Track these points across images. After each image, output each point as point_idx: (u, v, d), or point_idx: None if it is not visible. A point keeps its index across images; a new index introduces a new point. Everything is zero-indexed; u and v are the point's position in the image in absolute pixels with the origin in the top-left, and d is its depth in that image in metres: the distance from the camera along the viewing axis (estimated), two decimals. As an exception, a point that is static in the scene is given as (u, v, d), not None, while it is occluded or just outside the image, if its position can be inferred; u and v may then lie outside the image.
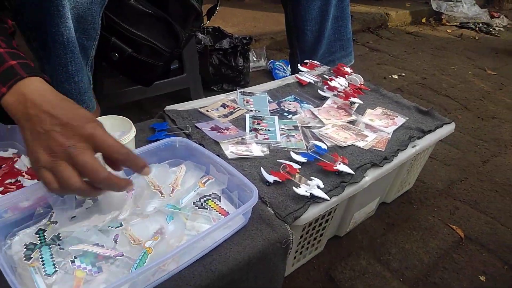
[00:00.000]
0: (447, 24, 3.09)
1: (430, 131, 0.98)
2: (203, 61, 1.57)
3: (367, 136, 0.95)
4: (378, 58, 2.26)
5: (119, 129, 0.78)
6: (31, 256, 0.53)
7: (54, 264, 0.52)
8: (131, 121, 0.78)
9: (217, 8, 1.19)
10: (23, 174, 0.70)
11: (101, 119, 0.79)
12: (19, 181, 0.68)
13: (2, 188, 0.66)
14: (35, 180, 0.68)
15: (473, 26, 3.01)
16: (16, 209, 0.60)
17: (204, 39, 1.66)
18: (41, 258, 0.52)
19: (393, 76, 2.01)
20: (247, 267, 0.59)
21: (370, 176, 0.81)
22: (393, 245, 0.96)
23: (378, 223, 1.02)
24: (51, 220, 0.59)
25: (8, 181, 0.68)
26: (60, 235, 0.56)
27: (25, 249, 0.53)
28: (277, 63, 1.84)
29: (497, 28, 3.02)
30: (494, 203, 1.15)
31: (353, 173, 0.79)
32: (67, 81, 0.81)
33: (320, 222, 0.80)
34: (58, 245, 0.54)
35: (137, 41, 0.98)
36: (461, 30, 2.96)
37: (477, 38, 2.83)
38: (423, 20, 3.12)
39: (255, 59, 1.92)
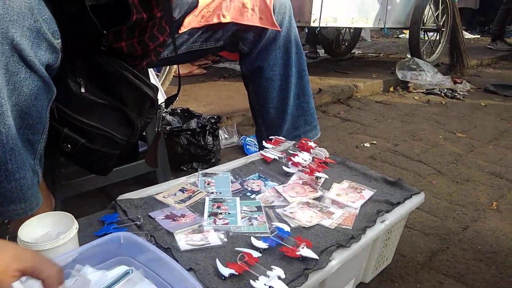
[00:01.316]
0: (414, 91, 3.23)
1: (399, 203, 0.94)
2: (170, 142, 1.56)
3: (333, 213, 0.90)
4: (349, 127, 2.30)
5: (60, 227, 0.71)
6: None
7: None
8: (73, 217, 0.72)
9: (177, 98, 1.20)
10: None
11: (41, 216, 0.73)
12: None
13: None
14: None
15: (439, 92, 3.14)
16: None
17: (172, 120, 1.66)
18: None
19: (365, 144, 2.02)
20: None
21: (337, 259, 0.74)
22: (375, 334, 0.86)
23: (357, 309, 0.93)
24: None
25: None
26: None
27: None
28: (248, 138, 1.84)
29: (461, 93, 3.16)
30: (480, 274, 1.08)
31: (317, 258, 0.73)
32: (7, 180, 0.76)
33: (286, 318, 0.71)
34: None
35: (90, 131, 0.95)
36: (428, 96, 3.08)
37: (444, 102, 2.95)
38: (391, 89, 3.26)
39: (226, 136, 1.93)
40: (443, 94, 3.12)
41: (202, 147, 1.61)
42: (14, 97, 0.72)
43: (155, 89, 1.00)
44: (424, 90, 3.22)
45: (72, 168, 1.31)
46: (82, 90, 0.91)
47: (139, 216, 0.83)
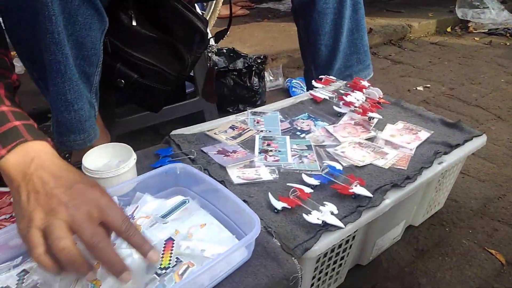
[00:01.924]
0: (475, 31, 2.96)
1: (458, 145, 0.89)
2: (216, 82, 1.55)
3: (387, 153, 0.87)
4: (401, 70, 2.17)
5: (119, 157, 0.74)
6: None
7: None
8: (131, 149, 0.75)
9: (227, 32, 1.16)
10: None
11: (102, 147, 0.76)
12: (13, 217, 0.65)
13: (-4, 224, 0.63)
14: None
15: (503, 32, 2.86)
16: (5, 248, 0.57)
17: (218, 61, 1.64)
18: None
19: (418, 88, 1.91)
20: (249, 309, 0.52)
21: (391, 198, 0.73)
22: (423, 274, 0.86)
23: (406, 249, 0.93)
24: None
25: (3, 217, 0.65)
26: (38, 284, 0.51)
27: None
28: (294, 80, 1.79)
29: (529, 33, 2.85)
30: (539, 222, 1.03)
31: (371, 196, 0.71)
32: (67, 110, 0.79)
33: (337, 252, 0.72)
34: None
35: (143, 66, 0.96)
36: (490, 37, 2.81)
37: (508, 44, 2.68)
38: (448, 30, 3.01)
39: (272, 78, 1.88)
40: (508, 35, 2.83)
41: (248, 88, 1.59)
42: (69, 26, 0.72)
43: (205, 22, 0.97)
44: (486, 30, 2.93)
45: (125, 107, 1.35)
46: (134, 23, 0.90)
47: (192, 150, 0.84)
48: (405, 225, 0.94)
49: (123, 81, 0.97)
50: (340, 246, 0.71)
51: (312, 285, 0.73)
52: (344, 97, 1.06)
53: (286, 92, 1.83)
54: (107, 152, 0.76)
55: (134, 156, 0.73)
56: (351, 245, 0.74)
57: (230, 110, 1.61)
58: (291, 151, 0.87)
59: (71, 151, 1.07)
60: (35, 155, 0.50)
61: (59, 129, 0.84)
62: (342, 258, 0.75)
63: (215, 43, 1.14)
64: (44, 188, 0.47)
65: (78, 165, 0.92)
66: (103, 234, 0.46)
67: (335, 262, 0.74)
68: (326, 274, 0.75)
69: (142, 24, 0.91)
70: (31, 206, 0.47)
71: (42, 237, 0.45)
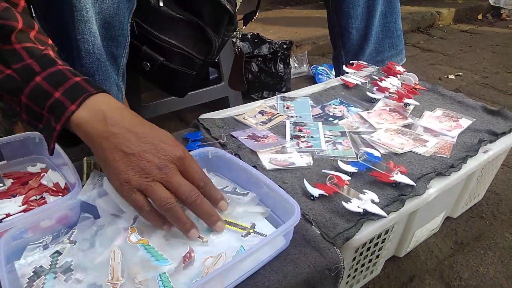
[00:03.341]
0: (508, 19, 2.82)
1: (504, 133, 0.84)
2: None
3: (427, 141, 0.82)
4: (430, 58, 2.09)
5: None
6: (33, 284, 0.47)
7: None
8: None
9: (256, 14, 1.12)
10: (49, 190, 0.66)
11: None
12: (44, 198, 0.64)
13: (26, 206, 0.61)
14: (59, 197, 0.63)
15: (538, 19, 2.73)
16: (37, 229, 0.55)
17: (242, 46, 1.60)
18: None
19: (450, 76, 1.83)
20: (289, 299, 0.49)
21: (435, 187, 0.68)
22: (464, 268, 0.81)
23: (444, 242, 0.88)
24: (70, 240, 0.53)
25: (33, 198, 0.63)
26: (72, 265, 0.49)
27: (32, 273, 0.48)
28: (320, 67, 1.74)
29: None
30: None
31: (414, 184, 0.67)
32: None
33: (375, 242, 0.68)
34: (64, 278, 0.48)
35: (169, 49, 0.93)
36: (524, 25, 2.69)
37: (544, 31, 2.56)
38: (479, 17, 2.88)
39: (296, 65, 1.84)
40: (544, 22, 2.70)
41: (273, 75, 1.55)
42: (97, 5, 0.70)
43: (233, 3, 0.93)
44: (521, 17, 2.80)
45: (150, 92, 1.33)
46: (161, 3, 0.87)
47: (222, 134, 0.81)
48: (444, 217, 0.89)
49: (148, 64, 0.95)
50: (379, 236, 0.67)
51: (349, 276, 0.69)
52: (378, 82, 1.01)
53: (311, 79, 1.78)
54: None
55: (164, 139, 0.71)
56: (390, 236, 0.70)
57: (255, 97, 1.57)
58: (324, 137, 0.83)
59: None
60: (104, 108, 0.50)
61: None
62: (380, 249, 0.71)
63: (243, 25, 1.10)
64: (130, 148, 0.48)
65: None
66: (196, 191, 0.51)
67: (373, 253, 0.70)
68: (363, 265, 0.71)
69: (169, 4, 0.88)
70: (122, 166, 0.48)
71: (144, 196, 0.49)
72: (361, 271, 0.72)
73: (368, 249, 0.68)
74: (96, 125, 0.49)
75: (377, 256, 0.73)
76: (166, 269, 0.47)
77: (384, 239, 0.70)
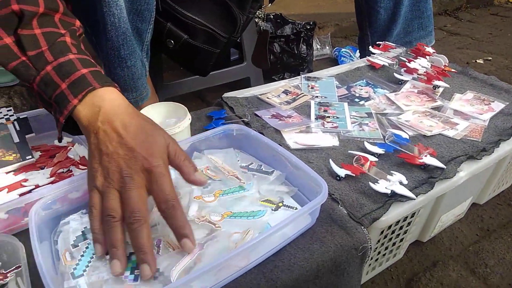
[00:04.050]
0: (541, 1, 2.69)
1: (539, 118, 0.80)
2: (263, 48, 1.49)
3: (457, 124, 0.79)
4: (458, 42, 2.02)
5: (174, 116, 0.72)
6: (72, 251, 0.48)
7: (87, 265, 0.46)
8: (186, 108, 0.72)
9: None
10: (76, 163, 0.66)
11: (156, 105, 0.74)
12: (71, 171, 0.65)
13: (53, 178, 0.62)
14: (85, 170, 0.64)
15: None
16: (65, 200, 0.56)
17: (265, 26, 1.57)
18: (82, 255, 0.47)
19: (478, 61, 1.76)
20: (315, 277, 0.49)
21: (465, 171, 0.66)
22: (490, 255, 0.79)
23: (470, 228, 0.86)
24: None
25: (60, 170, 0.64)
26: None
27: (81, 233, 0.49)
28: (343, 49, 1.70)
29: None
30: None
31: (444, 167, 0.65)
32: (120, 66, 0.77)
33: (401, 225, 0.67)
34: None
35: (193, 26, 0.92)
36: (559, 8, 2.56)
37: None
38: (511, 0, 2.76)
39: (319, 47, 1.80)
40: None
41: (296, 56, 1.52)
42: None
43: (259, -21, 0.91)
44: (555, 0, 2.67)
45: (172, 72, 1.33)
46: (186, -22, 0.85)
47: (246, 113, 0.80)
48: (471, 203, 0.87)
49: (172, 41, 0.94)
50: (405, 219, 0.66)
51: (371, 258, 0.69)
52: (407, 63, 0.97)
53: (333, 62, 1.74)
54: (160, 111, 0.73)
55: (189, 116, 0.70)
56: (416, 219, 0.69)
57: (275, 79, 1.55)
58: (350, 118, 0.82)
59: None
60: (102, 104, 0.49)
61: None
62: (405, 232, 0.70)
63: (269, 2, 1.07)
64: (107, 148, 0.47)
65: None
66: (142, 216, 0.45)
67: (397, 236, 0.69)
68: (387, 248, 0.70)
69: (195, -21, 0.87)
70: (94, 163, 0.47)
71: (100, 198, 0.47)
72: (384, 254, 0.71)
73: (393, 231, 0.66)
74: (91, 119, 0.49)
75: (401, 240, 0.72)
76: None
77: (410, 222, 0.68)
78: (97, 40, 0.79)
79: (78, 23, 0.56)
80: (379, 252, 0.69)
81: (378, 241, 0.65)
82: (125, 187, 0.45)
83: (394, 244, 0.71)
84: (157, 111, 0.72)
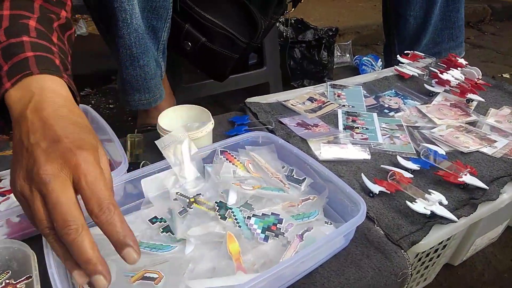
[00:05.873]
0: None
1: None
2: (283, 54, 1.45)
3: (495, 141, 0.74)
4: (482, 55, 1.96)
5: (196, 120, 0.68)
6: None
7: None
8: (209, 112, 0.68)
9: None
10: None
11: (177, 108, 0.70)
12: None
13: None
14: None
15: None
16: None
17: (285, 32, 1.53)
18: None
19: (504, 75, 1.71)
20: (351, 304, 0.44)
21: (509, 193, 0.61)
22: (526, 283, 0.74)
23: (504, 253, 0.80)
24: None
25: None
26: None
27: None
28: (364, 58, 1.65)
29: None
30: None
31: (486, 187, 0.60)
32: (132, 65, 0.74)
33: (436, 248, 0.62)
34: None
35: (212, 29, 0.88)
36: None
37: None
38: (536, 14, 2.69)
39: (339, 54, 1.76)
40: None
41: (316, 62, 1.48)
42: None
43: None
44: None
45: (191, 75, 1.29)
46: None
47: (270, 120, 0.76)
48: (506, 226, 0.81)
49: (190, 44, 0.90)
50: (441, 242, 0.61)
51: (402, 282, 0.64)
52: (439, 74, 0.93)
53: (353, 70, 1.70)
54: (182, 114, 0.70)
55: (212, 121, 0.66)
56: (451, 242, 0.64)
57: (295, 85, 1.51)
58: (381, 129, 0.77)
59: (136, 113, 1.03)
60: (36, 92, 0.41)
61: (124, 87, 0.79)
62: (439, 255, 0.65)
63: (293, 7, 1.04)
64: (28, 139, 0.38)
65: (143, 128, 0.88)
66: (76, 222, 0.35)
67: (430, 259, 0.64)
68: (418, 271, 0.65)
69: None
70: (14, 161, 0.39)
71: (25, 202, 0.38)
72: (415, 278, 0.66)
73: (427, 254, 0.62)
74: (20, 107, 0.41)
75: (434, 263, 0.67)
76: None
77: (445, 245, 0.63)
78: (110, 37, 0.75)
79: (64, 13, 0.52)
80: (410, 275, 0.64)
81: (411, 264, 0.60)
82: (44, 188, 0.36)
83: (426, 267, 0.66)
84: (177, 114, 0.69)
